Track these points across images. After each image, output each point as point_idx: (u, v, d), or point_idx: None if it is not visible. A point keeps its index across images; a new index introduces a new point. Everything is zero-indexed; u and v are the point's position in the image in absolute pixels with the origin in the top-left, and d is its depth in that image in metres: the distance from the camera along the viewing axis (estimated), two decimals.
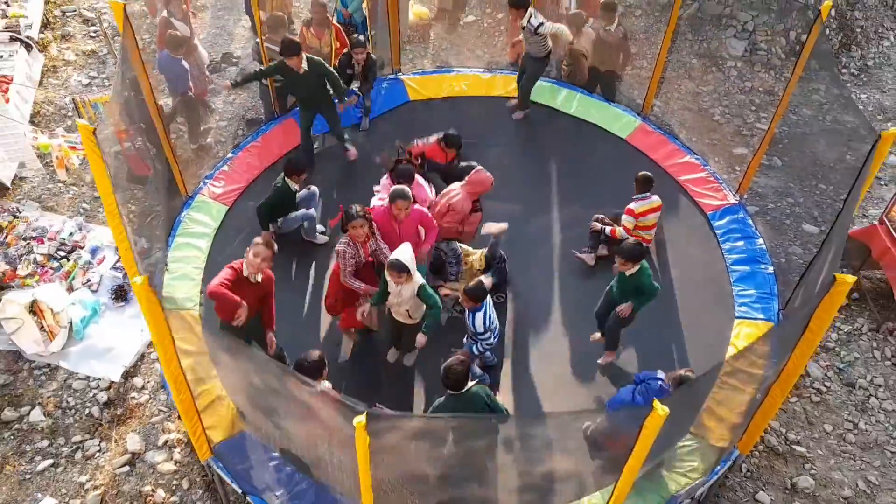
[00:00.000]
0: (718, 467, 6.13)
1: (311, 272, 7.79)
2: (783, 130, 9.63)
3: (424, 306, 6.26)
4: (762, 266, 7.80)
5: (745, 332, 7.20)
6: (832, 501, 6.65)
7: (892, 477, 6.84)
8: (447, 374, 5.39)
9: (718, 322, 7.37)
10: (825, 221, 8.74)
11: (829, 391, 7.45)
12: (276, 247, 6.16)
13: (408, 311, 6.34)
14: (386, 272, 6.10)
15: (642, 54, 10.83)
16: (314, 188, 8.14)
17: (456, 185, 7.28)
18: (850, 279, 4.46)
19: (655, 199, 7.67)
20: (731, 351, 7.06)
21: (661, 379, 5.76)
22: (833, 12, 10.87)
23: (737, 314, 7.41)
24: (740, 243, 8.04)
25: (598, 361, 7.06)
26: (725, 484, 6.63)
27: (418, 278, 6.16)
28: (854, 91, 10.72)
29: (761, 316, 7.35)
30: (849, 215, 5.82)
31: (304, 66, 7.92)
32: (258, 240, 6.04)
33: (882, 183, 9.52)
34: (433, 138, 8.06)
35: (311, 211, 7.92)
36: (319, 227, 8.05)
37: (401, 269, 5.93)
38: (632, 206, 7.65)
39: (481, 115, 9.34)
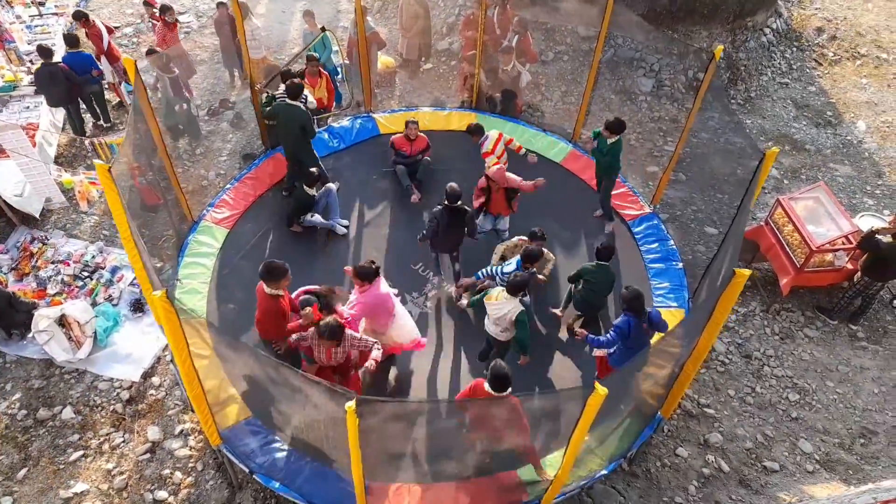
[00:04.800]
0: (647, 431, 6.18)
1: (341, 248, 8.04)
2: (686, 151, 9.75)
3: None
4: (673, 263, 7.90)
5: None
6: (737, 453, 6.75)
7: (783, 430, 6.97)
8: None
9: None
10: (723, 224, 8.90)
11: (730, 362, 7.57)
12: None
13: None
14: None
15: (570, 92, 10.93)
16: (330, 185, 8.19)
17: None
18: (747, 272, 4.53)
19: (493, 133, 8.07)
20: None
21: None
22: (722, 54, 11.11)
23: (654, 303, 7.47)
24: (655, 245, 8.14)
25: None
26: (651, 442, 6.69)
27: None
28: (742, 117, 10.96)
29: (674, 304, 7.44)
30: (743, 220, 5.92)
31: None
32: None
33: (766, 191, 9.73)
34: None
35: (317, 218, 8.01)
36: (343, 221, 8.16)
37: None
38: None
39: (440, 145, 9.30)
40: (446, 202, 6.87)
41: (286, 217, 8.10)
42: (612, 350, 6.13)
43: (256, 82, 8.63)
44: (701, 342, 5.25)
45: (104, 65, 9.87)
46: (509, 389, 5.07)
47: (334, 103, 9.55)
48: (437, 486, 5.68)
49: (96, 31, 9.81)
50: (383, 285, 6.23)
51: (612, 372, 6.16)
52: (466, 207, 7.06)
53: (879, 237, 7.31)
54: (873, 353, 7.74)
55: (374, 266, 6.08)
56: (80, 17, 9.90)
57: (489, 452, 5.39)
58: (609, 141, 7.73)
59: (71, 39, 9.36)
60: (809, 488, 6.44)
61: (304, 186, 7.85)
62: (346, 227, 8.21)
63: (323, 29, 9.35)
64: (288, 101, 7.75)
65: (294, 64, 8.85)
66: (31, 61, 10.37)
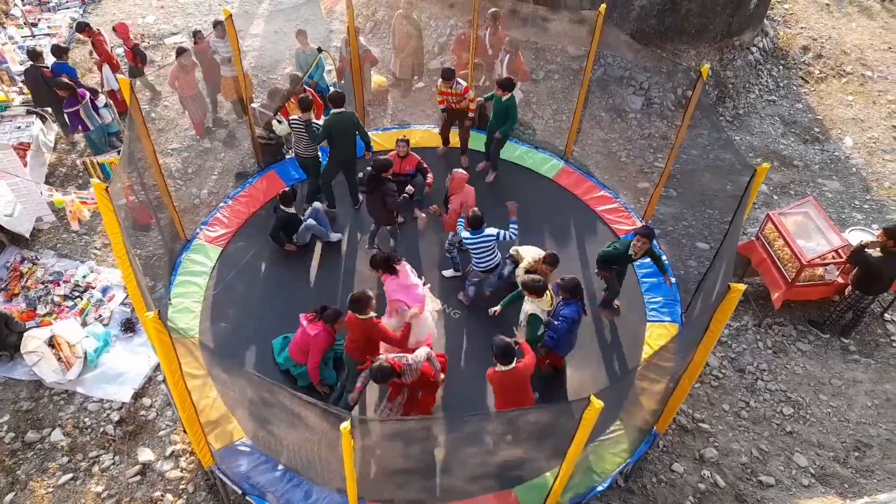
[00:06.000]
0: (642, 447, 6.15)
1: (333, 266, 8.09)
2: (676, 167, 9.84)
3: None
4: None
5: (656, 333, 7.28)
6: (733, 467, 6.72)
7: (778, 444, 6.96)
8: None
9: (633, 325, 7.45)
10: (714, 239, 8.95)
11: (724, 377, 7.56)
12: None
13: None
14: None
15: (561, 110, 11.02)
16: (316, 204, 8.25)
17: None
18: (742, 287, 4.53)
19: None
20: (646, 349, 7.12)
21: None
22: (710, 72, 11.25)
23: (648, 318, 7.49)
24: (647, 259, 8.11)
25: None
26: (646, 458, 6.64)
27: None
28: (730, 134, 11.06)
29: (668, 318, 7.46)
30: (735, 235, 5.93)
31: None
32: None
33: (756, 207, 9.80)
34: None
35: (311, 221, 8.01)
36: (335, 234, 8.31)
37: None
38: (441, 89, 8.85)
39: (433, 162, 9.32)
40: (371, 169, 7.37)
41: (271, 236, 8.00)
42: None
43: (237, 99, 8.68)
44: (696, 357, 5.25)
45: (106, 72, 9.91)
46: (514, 361, 5.40)
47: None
48: None
49: (101, 38, 10.07)
50: (409, 276, 6.55)
51: (557, 359, 6.67)
52: (389, 185, 7.42)
53: (869, 251, 7.37)
54: (865, 367, 7.76)
55: (383, 253, 6.40)
56: (83, 27, 10.27)
57: (494, 462, 5.35)
58: (503, 98, 8.42)
59: (56, 50, 9.65)
60: (805, 502, 6.41)
61: (281, 206, 7.78)
62: (339, 236, 8.35)
63: (319, 50, 9.40)
64: (334, 110, 8.01)
65: (286, 85, 8.89)
66: (23, 82, 10.37)
